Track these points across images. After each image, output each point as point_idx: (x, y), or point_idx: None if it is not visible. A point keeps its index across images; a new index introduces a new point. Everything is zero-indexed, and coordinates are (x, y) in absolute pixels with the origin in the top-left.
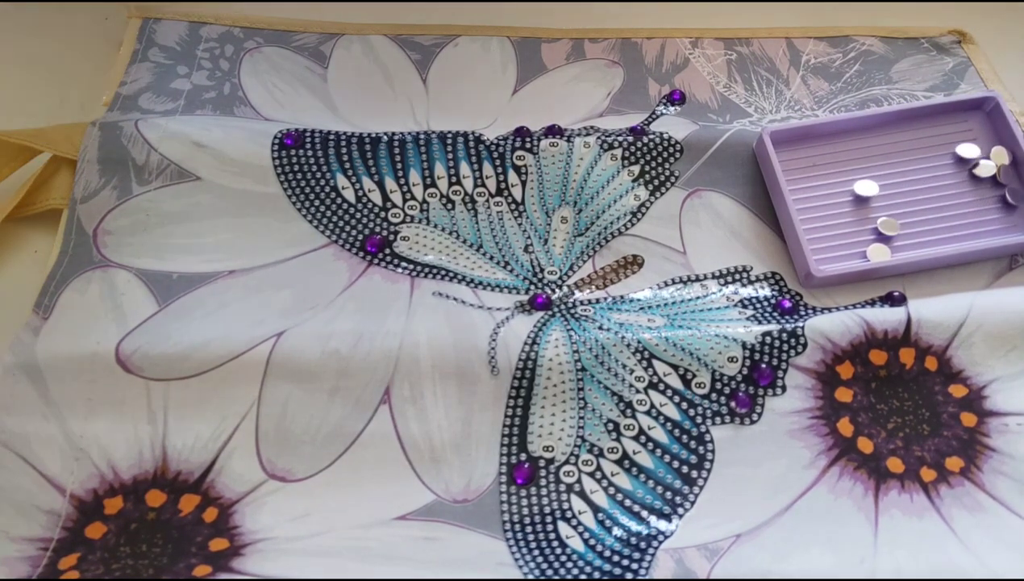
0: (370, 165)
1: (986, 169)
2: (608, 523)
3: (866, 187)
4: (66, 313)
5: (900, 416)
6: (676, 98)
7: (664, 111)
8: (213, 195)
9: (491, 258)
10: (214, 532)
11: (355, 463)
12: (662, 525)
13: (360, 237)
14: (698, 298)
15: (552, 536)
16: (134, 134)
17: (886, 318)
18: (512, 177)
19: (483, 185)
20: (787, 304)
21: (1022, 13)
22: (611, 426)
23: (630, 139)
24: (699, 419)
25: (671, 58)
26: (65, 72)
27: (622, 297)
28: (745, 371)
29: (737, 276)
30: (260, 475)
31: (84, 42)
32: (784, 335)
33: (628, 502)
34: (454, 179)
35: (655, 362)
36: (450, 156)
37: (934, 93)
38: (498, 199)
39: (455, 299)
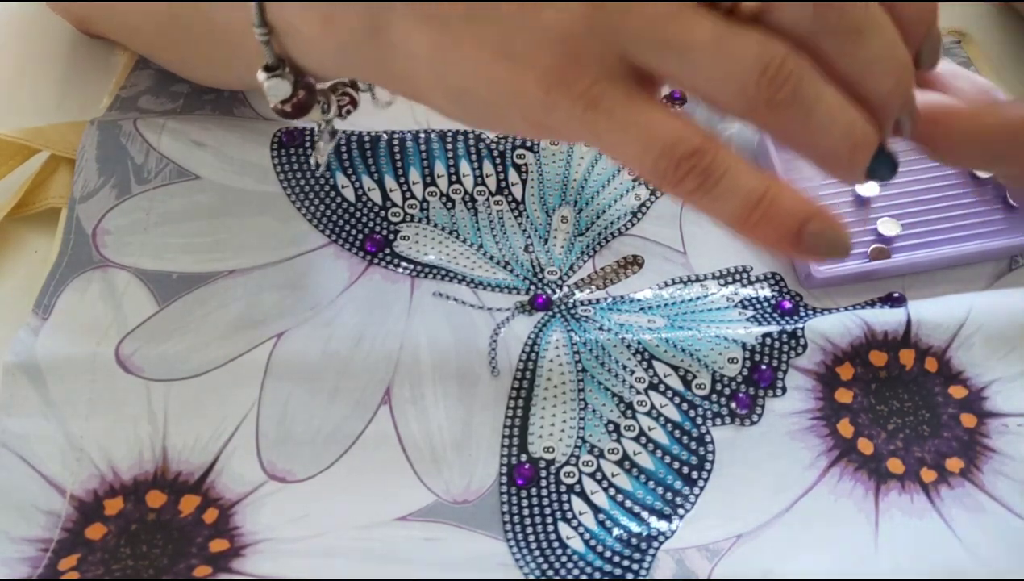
0: (369, 164)
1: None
2: (609, 524)
3: (867, 188)
4: (66, 313)
5: (900, 417)
6: (676, 97)
7: None
8: (212, 194)
9: (491, 258)
10: (214, 533)
11: (355, 464)
12: (662, 526)
13: (360, 236)
14: (698, 298)
15: (553, 537)
16: (133, 133)
17: (886, 319)
18: (512, 176)
19: (483, 184)
20: (787, 305)
21: (1022, 13)
22: (611, 427)
23: None
24: (699, 420)
25: None
26: (64, 70)
27: (622, 297)
28: (745, 372)
29: (737, 276)
30: (260, 476)
31: (84, 42)
32: (784, 336)
33: (628, 503)
34: (454, 178)
35: (655, 363)
36: (450, 154)
37: None
38: (498, 198)
39: (455, 299)
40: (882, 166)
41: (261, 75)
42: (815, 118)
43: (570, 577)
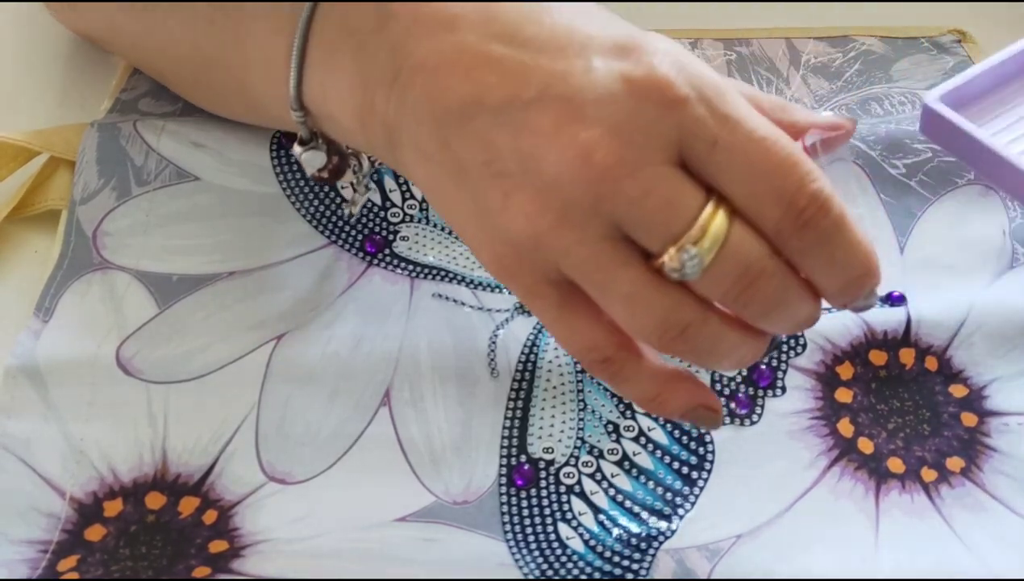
0: None
1: None
2: (608, 524)
3: None
4: (67, 316)
5: (900, 416)
6: None
7: None
8: (212, 196)
9: None
10: (214, 534)
11: (355, 465)
12: (662, 526)
13: (359, 237)
14: None
15: (552, 537)
16: (132, 135)
17: (886, 318)
18: None
19: None
20: None
21: (1022, 12)
22: (611, 427)
23: None
24: None
25: None
26: (65, 72)
27: None
28: (744, 372)
29: None
30: (260, 477)
31: (84, 42)
32: (783, 336)
33: (628, 503)
34: None
35: None
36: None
37: None
38: None
39: (455, 301)
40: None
41: (297, 149)
42: (708, 358)
43: (570, 577)
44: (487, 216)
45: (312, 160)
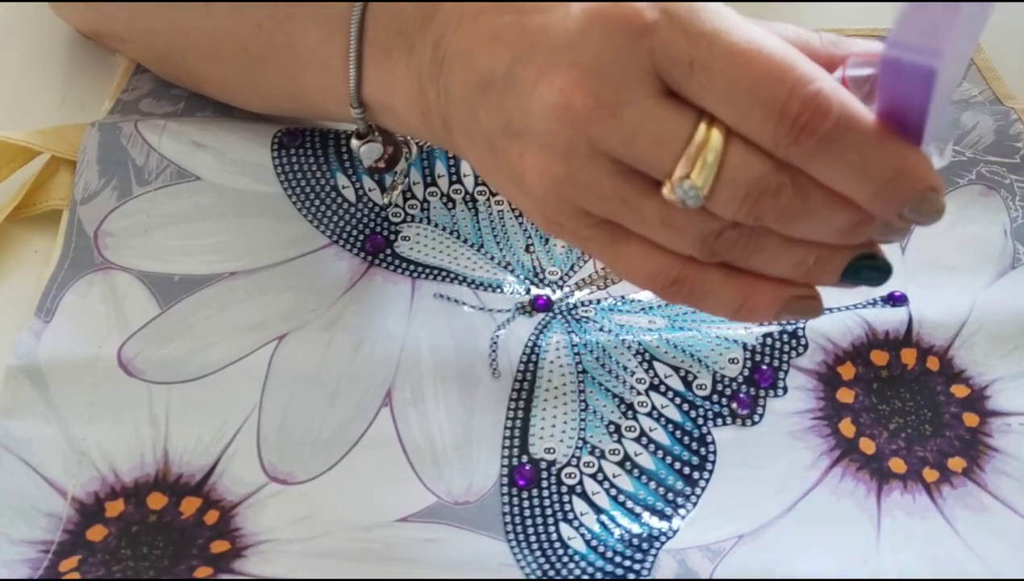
0: None
1: None
2: (610, 524)
3: None
4: (68, 316)
5: (902, 417)
6: None
7: None
8: (213, 195)
9: (492, 258)
10: (215, 534)
11: (356, 466)
12: (664, 526)
13: (361, 237)
14: None
15: (554, 537)
16: (133, 135)
17: (887, 318)
18: None
19: (484, 184)
20: None
21: (1022, 12)
22: (612, 428)
23: None
24: (700, 420)
25: None
26: (65, 72)
27: (623, 297)
28: (746, 372)
29: None
30: (261, 478)
31: (84, 42)
32: (785, 336)
33: (630, 503)
34: (455, 178)
35: (656, 364)
36: (451, 154)
37: None
38: (499, 198)
39: (456, 301)
40: (865, 273)
41: (355, 143)
42: (756, 257)
43: (571, 577)
44: (517, 180)
45: (370, 152)
